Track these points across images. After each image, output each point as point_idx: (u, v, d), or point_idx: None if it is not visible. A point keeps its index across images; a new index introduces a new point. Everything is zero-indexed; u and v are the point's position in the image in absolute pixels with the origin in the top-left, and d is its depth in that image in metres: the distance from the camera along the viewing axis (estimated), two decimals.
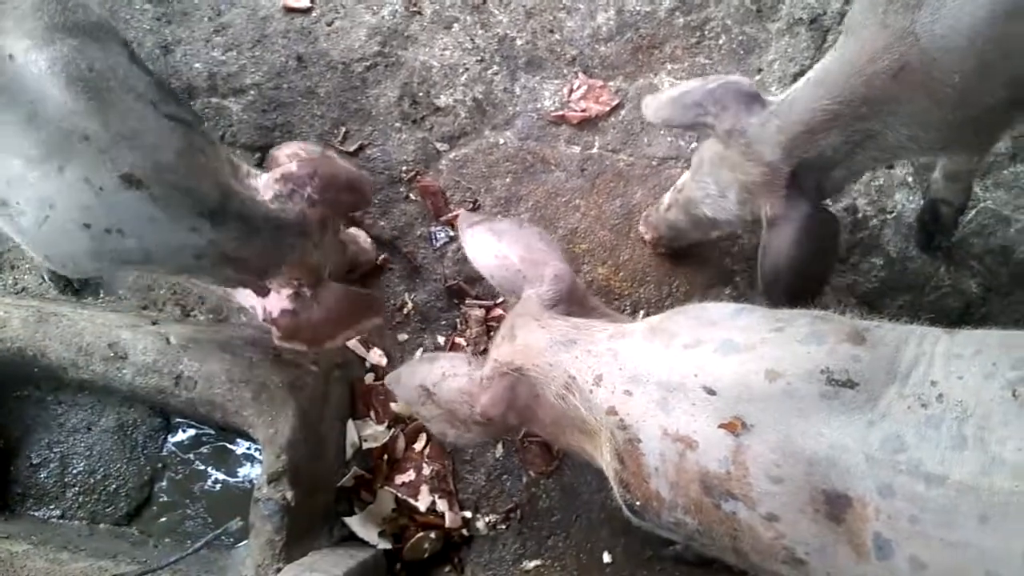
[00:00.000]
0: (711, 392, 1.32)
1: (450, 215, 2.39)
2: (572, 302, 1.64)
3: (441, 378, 1.66)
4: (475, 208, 2.41)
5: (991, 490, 1.09)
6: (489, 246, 1.75)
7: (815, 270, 1.84)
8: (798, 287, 1.78)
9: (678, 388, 1.36)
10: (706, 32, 2.48)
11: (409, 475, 2.22)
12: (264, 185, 1.73)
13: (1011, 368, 1.17)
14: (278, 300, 1.72)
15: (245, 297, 1.76)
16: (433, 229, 2.40)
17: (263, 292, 1.73)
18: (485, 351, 2.27)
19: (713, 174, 1.84)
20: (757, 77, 2.43)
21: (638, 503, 1.44)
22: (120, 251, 1.56)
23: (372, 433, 2.24)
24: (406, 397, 1.74)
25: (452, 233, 2.38)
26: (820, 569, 1.24)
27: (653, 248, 2.34)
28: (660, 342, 1.44)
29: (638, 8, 2.51)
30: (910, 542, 1.14)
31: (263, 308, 1.74)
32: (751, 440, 1.26)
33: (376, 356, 2.32)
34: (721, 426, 1.29)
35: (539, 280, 1.65)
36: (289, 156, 1.80)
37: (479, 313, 2.32)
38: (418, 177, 2.42)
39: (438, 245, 2.39)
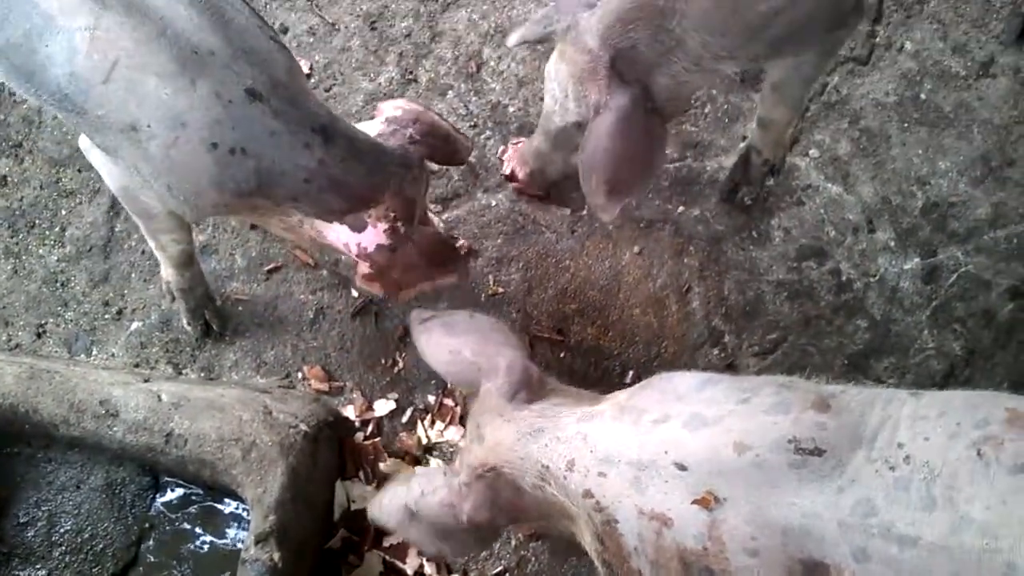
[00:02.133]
0: (682, 468, 1.32)
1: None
2: (531, 389, 1.61)
3: (420, 496, 1.64)
4: (470, 254, 2.45)
5: (962, 549, 1.11)
6: (442, 342, 1.72)
7: (633, 168, 1.84)
8: (615, 183, 1.79)
9: (650, 466, 1.36)
10: (693, 102, 2.56)
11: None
12: (368, 127, 1.80)
13: (975, 427, 1.19)
14: (374, 234, 1.74)
15: (339, 234, 1.77)
16: None
17: (359, 227, 1.75)
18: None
19: (555, 75, 1.87)
20: (742, 144, 2.50)
21: None
22: (239, 177, 1.61)
23: (361, 494, 2.24)
24: (391, 524, 1.72)
25: None
26: None
27: (525, 191, 2.37)
28: (629, 419, 1.45)
29: None
30: None
31: (357, 244, 1.76)
32: (725, 514, 1.27)
33: (365, 412, 2.34)
34: (694, 502, 1.29)
35: (495, 372, 1.62)
36: (395, 107, 1.87)
37: None
38: None
39: None
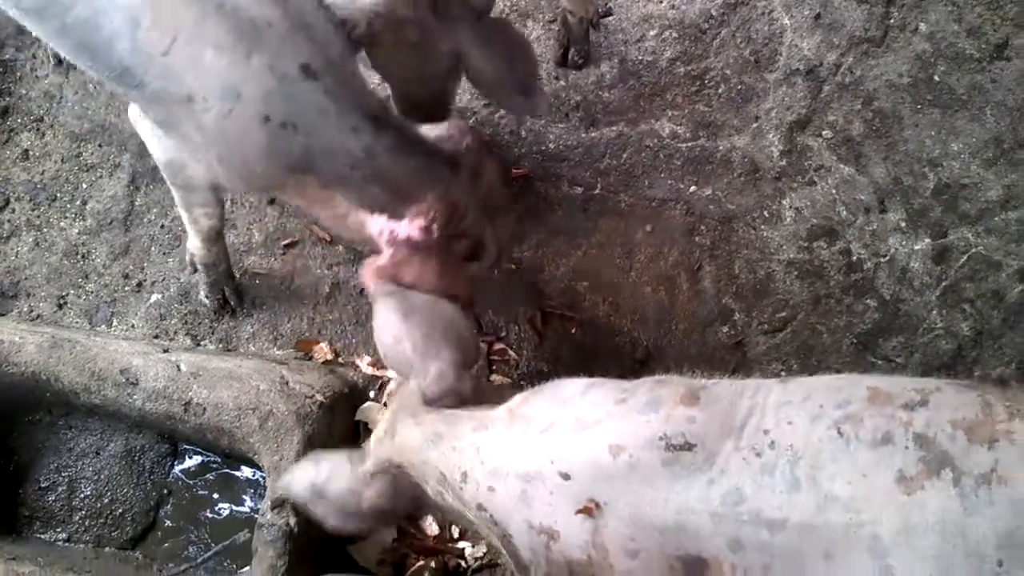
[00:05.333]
0: (567, 477, 1.32)
1: None
2: (459, 401, 1.59)
3: (327, 479, 1.67)
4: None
5: (828, 526, 1.13)
6: (392, 323, 1.68)
7: (516, 69, 1.91)
8: (516, 86, 1.90)
9: (536, 477, 1.36)
10: (706, 81, 2.57)
11: None
12: (427, 129, 1.79)
13: (836, 408, 1.21)
14: (408, 227, 1.72)
15: (377, 223, 1.75)
16: None
17: (398, 216, 1.73)
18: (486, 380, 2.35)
19: None
20: (755, 124, 2.51)
21: None
22: (288, 152, 1.63)
23: None
24: (299, 500, 1.75)
25: None
26: None
27: None
28: (519, 428, 1.45)
29: (640, 58, 2.61)
30: None
31: (390, 231, 1.73)
32: (606, 519, 1.28)
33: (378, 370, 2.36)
34: (578, 512, 1.30)
35: (424, 374, 1.60)
36: (456, 126, 1.87)
37: (482, 347, 2.37)
38: None
39: None
